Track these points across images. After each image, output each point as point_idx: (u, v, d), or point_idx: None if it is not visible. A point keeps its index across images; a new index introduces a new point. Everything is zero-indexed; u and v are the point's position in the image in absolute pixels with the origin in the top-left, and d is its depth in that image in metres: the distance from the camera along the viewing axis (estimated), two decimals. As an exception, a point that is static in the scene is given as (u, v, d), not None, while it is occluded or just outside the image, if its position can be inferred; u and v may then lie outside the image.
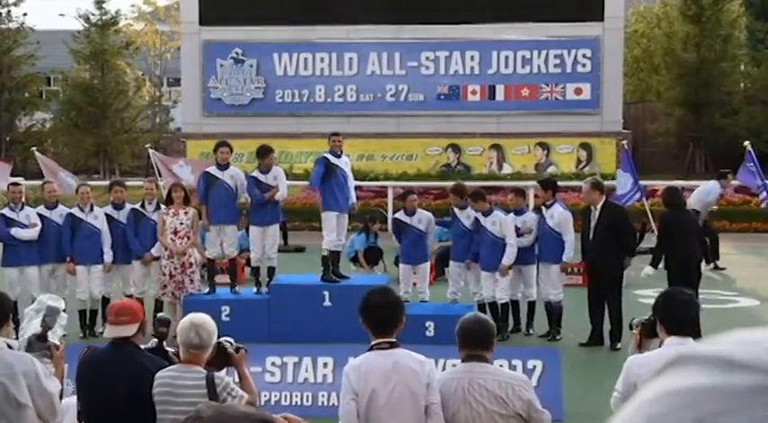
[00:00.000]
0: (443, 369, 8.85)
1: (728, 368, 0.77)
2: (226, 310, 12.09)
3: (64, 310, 6.48)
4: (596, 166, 28.32)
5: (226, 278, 13.36)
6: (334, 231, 12.49)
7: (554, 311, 12.57)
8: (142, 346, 5.83)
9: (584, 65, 29.39)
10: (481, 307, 12.59)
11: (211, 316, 5.70)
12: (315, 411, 8.91)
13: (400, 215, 13.39)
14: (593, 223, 12.23)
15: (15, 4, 37.79)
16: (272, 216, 12.97)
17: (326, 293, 12.30)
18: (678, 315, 5.28)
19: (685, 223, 12.56)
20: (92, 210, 13.05)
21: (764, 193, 16.90)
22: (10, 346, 5.47)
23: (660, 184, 17.48)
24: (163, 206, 12.94)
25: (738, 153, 16.92)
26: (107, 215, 13.07)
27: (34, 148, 20.30)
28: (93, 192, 13.62)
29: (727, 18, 35.15)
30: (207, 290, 12.88)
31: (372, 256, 16.01)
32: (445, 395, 5.11)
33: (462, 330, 5.25)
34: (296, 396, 9.60)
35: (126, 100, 37.31)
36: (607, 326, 12.14)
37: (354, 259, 15.88)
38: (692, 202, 17.81)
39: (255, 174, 12.90)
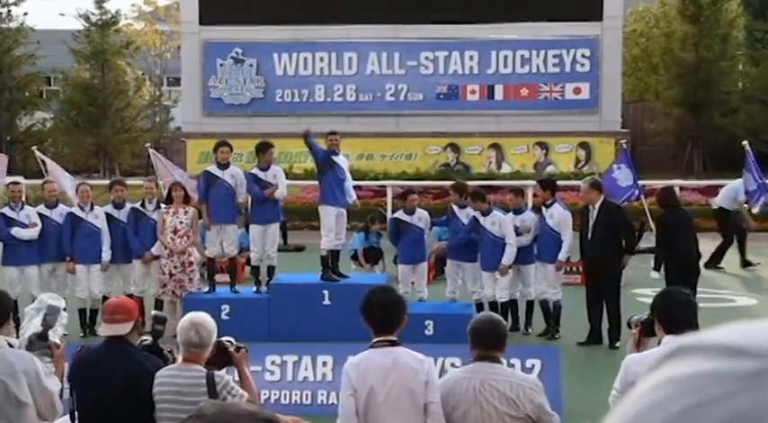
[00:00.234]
0: (442, 368, 8.89)
1: (729, 354, 0.77)
2: (225, 308, 12.11)
3: (64, 310, 6.50)
4: (595, 166, 28.33)
5: (226, 277, 13.38)
6: (332, 231, 12.50)
7: (552, 310, 12.59)
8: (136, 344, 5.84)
9: (582, 64, 29.42)
10: (479, 306, 12.65)
11: (211, 315, 5.71)
12: (314, 410, 8.94)
13: (400, 214, 13.40)
14: (591, 222, 12.26)
15: (16, 4, 37.82)
16: (272, 214, 12.99)
17: (326, 292, 12.32)
18: (676, 314, 5.30)
19: (682, 222, 12.64)
20: (92, 209, 13.08)
21: (757, 196, 16.81)
22: (11, 345, 5.49)
23: (659, 184, 17.49)
24: (163, 205, 12.97)
25: (737, 152, 16.93)
26: (107, 214, 13.08)
27: (35, 148, 20.30)
28: (93, 191, 13.64)
29: (725, 18, 35.17)
30: (207, 289, 12.91)
31: (372, 255, 16.03)
32: (456, 394, 5.12)
33: (475, 330, 5.26)
34: (295, 395, 9.62)
35: (126, 99, 37.34)
36: (605, 325, 12.17)
37: (355, 257, 15.93)
38: (721, 201, 17.92)
39: (255, 171, 12.93)
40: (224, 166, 12.87)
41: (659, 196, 13.52)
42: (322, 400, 9.49)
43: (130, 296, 11.36)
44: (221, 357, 5.68)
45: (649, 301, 5.72)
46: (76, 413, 5.70)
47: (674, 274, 11.93)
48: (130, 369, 5.60)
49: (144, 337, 5.92)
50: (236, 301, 12.53)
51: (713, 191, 20.60)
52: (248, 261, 14.78)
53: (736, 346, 0.78)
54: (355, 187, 13.82)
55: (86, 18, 37.36)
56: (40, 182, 15.30)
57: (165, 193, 13.62)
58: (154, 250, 12.85)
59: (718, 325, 0.85)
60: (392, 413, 5.07)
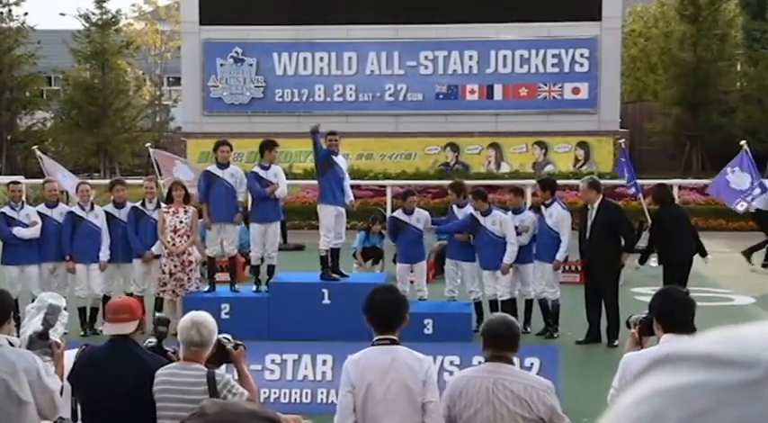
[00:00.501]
0: (441, 366, 8.93)
1: (714, 365, 0.77)
2: (225, 307, 12.14)
3: (65, 309, 6.52)
4: (594, 165, 28.40)
5: (226, 276, 13.42)
6: (331, 231, 12.51)
7: (551, 309, 12.62)
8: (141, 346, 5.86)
9: (581, 64, 29.46)
10: (477, 305, 12.68)
11: (211, 314, 5.72)
12: (314, 408, 8.96)
13: (399, 214, 13.42)
14: (589, 222, 12.29)
15: (16, 4, 37.84)
16: (273, 213, 13.01)
17: (326, 291, 12.35)
18: (674, 313, 5.33)
19: (678, 219, 12.69)
20: (92, 208, 13.11)
21: (752, 196, 16.78)
22: (11, 344, 5.52)
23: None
24: (163, 205, 13.00)
25: (735, 152, 16.94)
26: (108, 214, 13.11)
27: (35, 147, 20.32)
28: (93, 191, 13.67)
29: (723, 18, 35.24)
30: (207, 288, 12.94)
31: (372, 255, 16.06)
32: (469, 392, 5.13)
33: (488, 331, 5.29)
34: (295, 393, 9.64)
35: (126, 99, 37.33)
36: (604, 323, 12.20)
37: (355, 255, 15.99)
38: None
39: (256, 169, 12.97)
40: (224, 165, 12.90)
41: (654, 193, 13.63)
42: (322, 399, 9.52)
43: (130, 295, 11.42)
44: (219, 355, 5.69)
45: (648, 299, 5.74)
46: (79, 413, 5.72)
47: (673, 270, 11.97)
48: (135, 368, 5.60)
49: (149, 340, 5.95)
50: (236, 300, 12.56)
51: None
52: (248, 260, 14.82)
53: (724, 356, 0.77)
54: (355, 187, 13.85)
55: (87, 18, 37.37)
56: (40, 181, 15.33)
57: (165, 192, 13.65)
58: (154, 249, 12.88)
59: (715, 324, 0.87)
60: (389, 411, 5.10)
